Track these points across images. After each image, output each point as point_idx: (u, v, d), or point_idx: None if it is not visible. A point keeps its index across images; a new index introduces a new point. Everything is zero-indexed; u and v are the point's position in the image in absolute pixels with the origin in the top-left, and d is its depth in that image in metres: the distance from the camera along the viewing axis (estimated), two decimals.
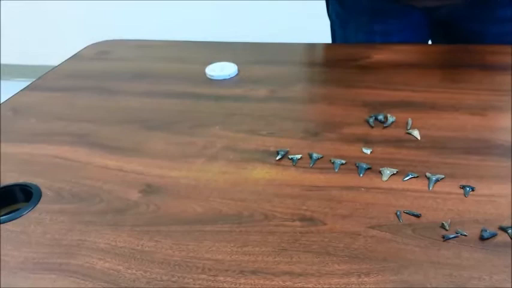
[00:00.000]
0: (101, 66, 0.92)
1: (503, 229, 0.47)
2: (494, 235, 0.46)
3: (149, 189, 0.57)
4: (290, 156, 0.60)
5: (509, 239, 0.46)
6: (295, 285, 0.43)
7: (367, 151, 0.60)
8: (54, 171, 0.62)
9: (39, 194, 0.57)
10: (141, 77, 0.86)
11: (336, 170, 0.57)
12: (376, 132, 0.64)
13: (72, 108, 0.77)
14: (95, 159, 0.63)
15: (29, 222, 0.53)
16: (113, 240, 0.50)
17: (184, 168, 0.60)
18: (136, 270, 0.46)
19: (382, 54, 0.84)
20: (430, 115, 0.66)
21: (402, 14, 0.89)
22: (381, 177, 0.55)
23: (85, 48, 1.01)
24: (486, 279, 0.42)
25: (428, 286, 0.42)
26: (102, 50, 0.98)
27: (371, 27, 0.92)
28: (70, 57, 0.97)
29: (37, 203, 0.56)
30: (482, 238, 0.46)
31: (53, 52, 1.42)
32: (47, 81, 0.87)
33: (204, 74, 0.84)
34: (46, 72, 0.91)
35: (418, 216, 0.49)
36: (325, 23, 1.02)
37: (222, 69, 0.84)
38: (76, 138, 0.68)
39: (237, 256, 0.47)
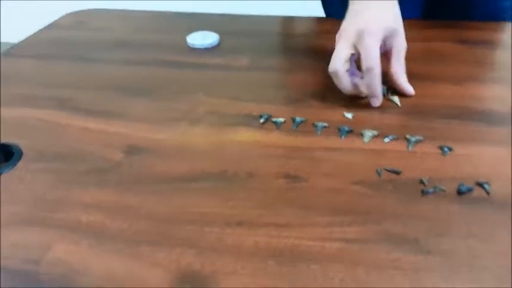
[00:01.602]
0: (79, 35, 0.90)
1: (480, 184, 0.48)
2: (470, 190, 0.48)
3: (132, 150, 0.57)
4: (273, 120, 0.61)
5: (485, 194, 0.48)
6: (281, 234, 0.44)
7: (349, 115, 0.61)
8: (36, 133, 0.61)
9: (20, 154, 0.56)
10: (121, 45, 0.85)
11: (319, 133, 0.58)
12: (358, 98, 0.65)
13: (50, 74, 0.76)
14: (76, 122, 0.63)
15: (9, 180, 0.53)
16: (97, 196, 0.50)
17: (167, 131, 0.60)
18: (122, 223, 0.46)
19: None
20: (411, 84, 0.67)
21: None
22: (362, 139, 0.57)
23: (62, 17, 0.99)
24: (463, 230, 0.44)
25: (408, 235, 0.43)
26: (80, 20, 0.97)
27: None
28: (46, 26, 0.95)
29: (17, 162, 0.55)
30: (459, 193, 0.48)
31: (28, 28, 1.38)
32: (22, 49, 0.86)
33: (186, 43, 0.83)
34: (21, 41, 0.89)
35: (398, 173, 0.51)
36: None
37: (204, 38, 0.83)
38: (57, 102, 0.67)
39: (222, 210, 0.47)
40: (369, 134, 0.57)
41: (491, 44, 0.78)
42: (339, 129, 0.58)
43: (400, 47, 0.64)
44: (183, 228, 0.45)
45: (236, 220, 0.46)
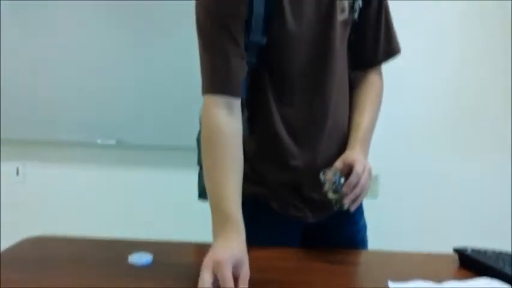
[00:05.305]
0: (39, 253, 1.12)
1: None
2: None
3: None
4: None
5: None
6: None
7: None
8: None
9: None
10: (76, 261, 1.07)
11: None
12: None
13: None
14: None
15: None
16: None
17: None
18: None
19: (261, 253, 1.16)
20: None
21: (277, 224, 1.23)
22: None
23: (21, 241, 1.20)
24: None
25: None
26: (37, 243, 1.19)
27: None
28: (8, 247, 1.16)
29: None
30: None
31: None
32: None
33: (127, 260, 1.08)
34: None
35: None
36: None
37: (141, 257, 1.09)
38: None
39: None
40: None
41: (350, 263, 1.11)
42: None
43: (244, 275, 0.85)
44: None
45: None
